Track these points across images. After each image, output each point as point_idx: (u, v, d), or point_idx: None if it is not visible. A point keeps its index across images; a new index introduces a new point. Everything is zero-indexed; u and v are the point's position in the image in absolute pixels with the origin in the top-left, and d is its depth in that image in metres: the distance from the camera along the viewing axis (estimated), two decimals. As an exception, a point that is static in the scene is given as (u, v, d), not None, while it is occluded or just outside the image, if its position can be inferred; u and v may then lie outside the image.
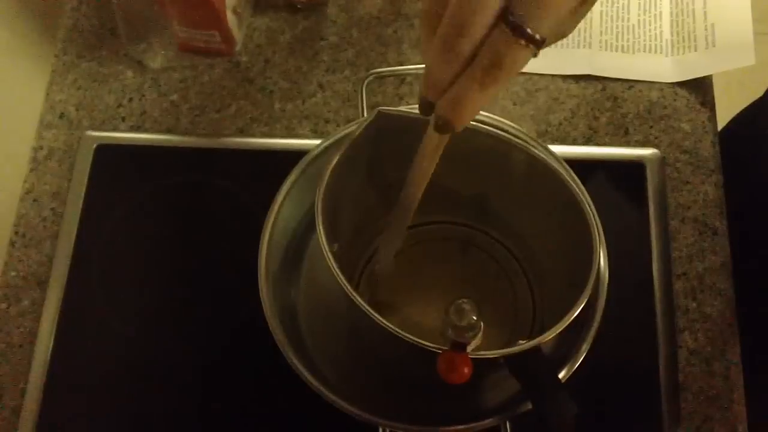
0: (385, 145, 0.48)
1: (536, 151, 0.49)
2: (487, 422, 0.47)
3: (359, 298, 0.42)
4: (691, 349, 0.59)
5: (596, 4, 0.70)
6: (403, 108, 0.48)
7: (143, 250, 0.64)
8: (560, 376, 0.47)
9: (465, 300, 0.42)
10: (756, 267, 0.65)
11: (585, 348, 0.47)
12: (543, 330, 0.42)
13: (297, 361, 0.48)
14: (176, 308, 0.62)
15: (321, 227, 0.44)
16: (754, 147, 0.70)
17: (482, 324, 0.42)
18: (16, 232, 0.64)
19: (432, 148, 0.41)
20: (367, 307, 0.42)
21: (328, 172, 0.46)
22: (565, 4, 0.33)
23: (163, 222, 0.65)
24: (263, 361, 0.52)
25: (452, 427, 0.46)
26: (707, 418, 0.57)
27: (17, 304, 0.62)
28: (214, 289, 0.62)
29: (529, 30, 0.32)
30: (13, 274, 0.63)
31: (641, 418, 0.57)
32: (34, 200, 0.65)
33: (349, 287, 0.42)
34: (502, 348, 0.42)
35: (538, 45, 0.33)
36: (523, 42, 0.33)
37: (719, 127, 0.68)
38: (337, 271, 0.43)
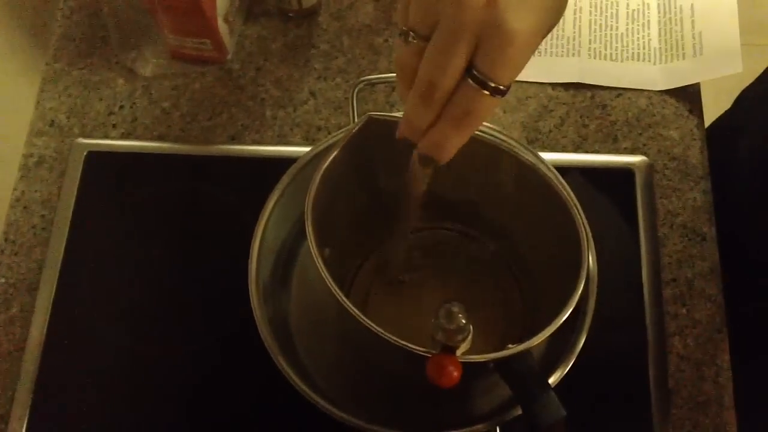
0: (375, 151, 0.48)
1: (526, 158, 0.49)
2: (478, 428, 0.47)
3: (349, 303, 0.42)
4: (681, 354, 0.59)
5: (585, 13, 0.71)
6: (392, 114, 0.48)
7: (134, 257, 0.63)
8: (550, 380, 0.47)
9: (454, 303, 0.42)
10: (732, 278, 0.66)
11: (575, 353, 0.48)
12: (533, 335, 0.43)
13: (288, 368, 0.48)
14: (167, 316, 0.61)
15: (311, 232, 0.44)
16: (725, 159, 0.70)
17: (471, 327, 0.42)
18: (6, 239, 0.64)
19: (420, 174, 0.44)
20: (357, 312, 0.42)
21: (317, 178, 0.46)
22: (524, 58, 0.36)
23: (153, 229, 0.65)
24: (254, 368, 0.52)
25: (443, 433, 0.46)
26: (697, 423, 0.57)
27: (6, 311, 0.61)
28: (205, 296, 0.62)
29: (491, 83, 0.36)
30: (2, 281, 0.62)
31: (631, 423, 0.57)
32: (24, 207, 0.65)
33: (339, 292, 0.43)
34: (492, 352, 0.42)
35: (502, 93, 0.36)
36: (487, 92, 0.36)
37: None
38: (328, 276, 0.43)
